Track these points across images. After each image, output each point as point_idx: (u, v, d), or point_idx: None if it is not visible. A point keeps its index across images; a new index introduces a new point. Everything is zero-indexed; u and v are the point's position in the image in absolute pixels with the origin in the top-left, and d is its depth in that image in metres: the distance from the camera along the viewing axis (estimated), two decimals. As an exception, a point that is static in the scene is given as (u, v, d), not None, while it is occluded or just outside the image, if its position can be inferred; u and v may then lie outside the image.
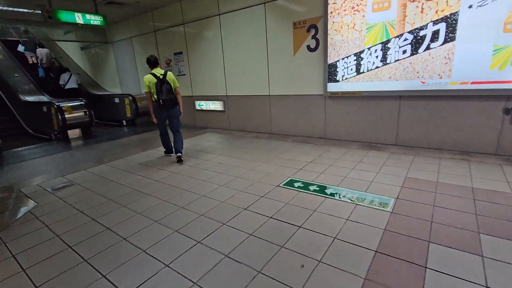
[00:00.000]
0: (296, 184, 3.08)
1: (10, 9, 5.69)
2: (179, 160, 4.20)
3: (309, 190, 2.91)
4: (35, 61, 10.12)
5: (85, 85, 9.52)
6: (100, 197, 3.11)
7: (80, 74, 10.00)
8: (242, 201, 2.76)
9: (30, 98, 7.63)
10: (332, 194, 2.78)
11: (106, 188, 3.35)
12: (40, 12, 5.04)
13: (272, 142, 5.06)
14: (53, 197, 3.19)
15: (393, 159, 3.72)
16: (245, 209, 2.60)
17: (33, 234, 2.41)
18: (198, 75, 6.64)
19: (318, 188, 2.94)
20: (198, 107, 6.88)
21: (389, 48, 3.95)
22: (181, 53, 6.78)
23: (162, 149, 4.90)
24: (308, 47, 4.74)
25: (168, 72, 4.11)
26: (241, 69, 5.78)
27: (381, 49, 4.01)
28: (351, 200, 2.63)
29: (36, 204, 3.03)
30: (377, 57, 4.08)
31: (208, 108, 6.67)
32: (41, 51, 9.65)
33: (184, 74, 6.92)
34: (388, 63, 4.01)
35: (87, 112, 6.61)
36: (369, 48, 4.11)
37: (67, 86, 8.80)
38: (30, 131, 7.56)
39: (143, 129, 7.34)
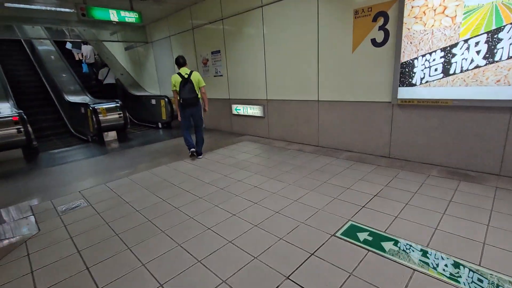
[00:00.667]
0: (361, 236, 2.15)
1: (49, 8, 5.59)
2: (192, 155, 4.53)
3: (384, 250, 1.97)
4: (81, 58, 10.48)
5: (126, 85, 9.52)
6: (108, 230, 2.53)
7: (123, 75, 10.06)
8: (280, 261, 1.92)
9: (72, 99, 7.71)
10: (424, 263, 1.81)
11: (119, 213, 2.78)
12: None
13: (320, 158, 4.14)
14: (59, 222, 2.70)
15: (506, 201, 2.56)
16: (287, 277, 1.77)
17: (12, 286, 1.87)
18: (236, 76, 5.95)
19: (398, 248, 1.98)
20: (235, 112, 6.20)
21: (501, 39, 2.77)
22: (218, 51, 6.16)
23: (189, 162, 4.30)
24: (373, 41, 3.70)
25: (194, 72, 4.24)
26: (285, 69, 4.93)
27: (486, 41, 2.84)
28: (471, 282, 1.63)
29: (38, 231, 2.56)
30: (478, 52, 2.91)
31: (245, 113, 5.96)
32: (86, 48, 9.97)
33: (221, 75, 6.29)
34: (497, 61, 2.83)
35: (122, 115, 6.35)
36: (466, 41, 2.96)
37: (105, 81, 9.01)
38: (73, 131, 7.63)
39: (178, 133, 6.91)
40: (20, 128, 5.00)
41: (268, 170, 3.78)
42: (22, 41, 10.31)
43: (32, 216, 2.87)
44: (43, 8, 5.58)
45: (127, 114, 7.35)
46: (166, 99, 7.26)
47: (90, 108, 6.04)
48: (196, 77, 4.24)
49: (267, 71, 5.25)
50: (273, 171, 3.72)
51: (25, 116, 5.15)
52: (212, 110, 6.90)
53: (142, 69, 9.39)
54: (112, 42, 10.75)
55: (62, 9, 5.63)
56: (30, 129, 5.20)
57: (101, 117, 6.04)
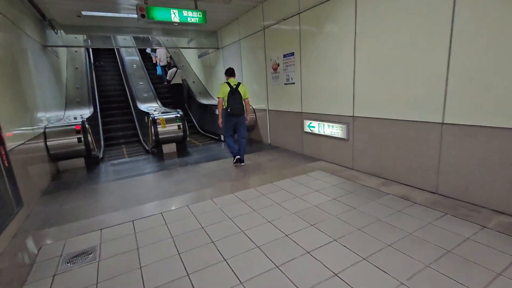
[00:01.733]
0: None
1: (116, 15, 5.41)
2: (236, 162, 4.64)
3: None
4: (157, 61, 10.86)
5: (195, 93, 9.25)
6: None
7: (194, 82, 9.90)
8: None
9: (144, 106, 7.68)
10: None
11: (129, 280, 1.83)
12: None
13: (446, 222, 2.47)
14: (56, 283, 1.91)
15: None
16: None
17: None
18: (312, 84, 4.64)
19: None
20: (307, 129, 4.89)
21: None
22: (292, 54, 4.97)
23: (243, 199, 3.20)
24: None
25: (241, 84, 4.48)
26: (386, 74, 3.39)
27: None
28: None
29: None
30: None
31: (321, 132, 4.58)
32: (160, 51, 10.32)
33: (293, 83, 5.08)
34: None
35: (181, 126, 5.77)
36: None
37: (172, 82, 8.92)
38: (142, 140, 7.58)
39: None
40: (80, 137, 4.82)
41: (356, 236, 2.34)
42: (116, 53, 11.29)
43: (30, 264, 2.18)
44: (110, 15, 5.45)
45: (194, 122, 6.81)
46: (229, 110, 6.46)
47: (150, 118, 5.64)
48: (243, 88, 4.47)
49: (356, 77, 3.79)
50: (366, 241, 2.27)
51: (87, 125, 4.98)
52: (279, 125, 5.73)
53: (212, 76, 8.97)
54: (187, 49, 10.83)
55: (127, 15, 5.39)
56: (90, 138, 5.00)
57: (159, 128, 5.58)
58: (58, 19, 5.82)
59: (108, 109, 8.92)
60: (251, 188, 3.60)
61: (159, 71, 10.50)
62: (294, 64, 4.97)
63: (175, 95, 9.33)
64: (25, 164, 3.45)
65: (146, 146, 6.79)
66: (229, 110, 4.35)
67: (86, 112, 6.95)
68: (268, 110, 6.05)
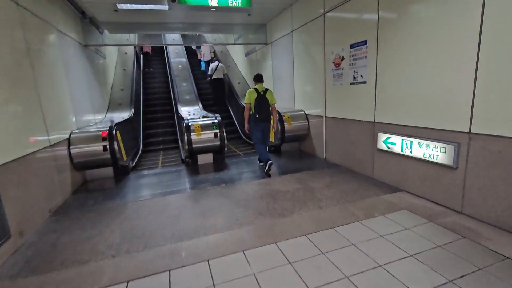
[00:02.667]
0: None
1: (146, 7, 4.75)
2: (269, 168, 4.27)
3: None
4: (201, 56, 10.68)
5: (241, 95, 8.38)
6: None
7: (240, 83, 9.07)
8: None
9: (183, 110, 7.07)
10: None
11: None
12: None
13: None
14: None
15: None
16: None
17: None
18: (394, 83, 3.27)
19: None
20: (382, 146, 3.53)
21: None
22: (363, 43, 3.67)
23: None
24: None
25: (269, 90, 4.48)
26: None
27: None
28: None
29: None
30: None
31: (406, 153, 3.19)
32: (204, 47, 10.08)
33: (364, 82, 3.76)
34: None
35: (218, 134, 4.88)
36: None
37: (213, 76, 8.51)
38: (180, 146, 6.98)
39: (291, 163, 4.86)
40: (106, 145, 4.23)
41: None
42: (165, 55, 11.10)
43: None
44: (145, 7, 4.82)
45: (236, 126, 5.92)
46: (278, 115, 5.36)
47: (184, 124, 4.86)
48: (270, 95, 4.45)
49: (480, 74, 2.36)
50: None
51: (114, 132, 4.39)
52: (339, 137, 4.44)
53: (259, 77, 8.00)
54: (234, 49, 10.09)
55: (162, 6, 4.69)
56: (117, 146, 4.39)
57: (193, 136, 4.76)
58: (97, 15, 5.44)
59: (152, 112, 8.59)
60: (302, 236, 2.45)
61: (203, 66, 10.28)
62: (366, 57, 3.66)
63: (215, 90, 8.84)
64: (27, 180, 2.85)
65: (182, 154, 6.10)
66: (256, 116, 4.34)
67: (126, 115, 6.57)
68: (325, 117, 4.79)
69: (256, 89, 4.40)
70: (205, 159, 5.23)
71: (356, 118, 4.01)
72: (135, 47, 9.98)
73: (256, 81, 4.51)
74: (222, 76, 8.68)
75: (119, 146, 4.50)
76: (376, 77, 3.54)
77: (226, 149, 5.18)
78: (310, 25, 4.90)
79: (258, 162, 4.89)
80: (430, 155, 2.89)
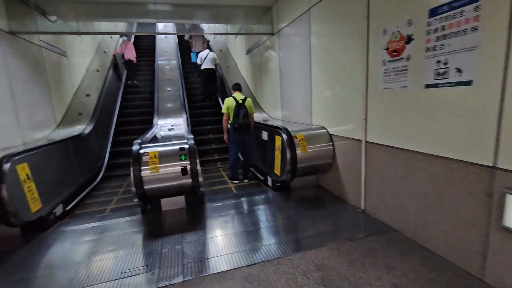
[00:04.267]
0: None
1: None
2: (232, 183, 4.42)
3: None
4: (192, 47, 8.98)
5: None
6: None
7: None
8: None
9: (160, 124, 5.25)
10: None
11: None
12: None
13: None
14: None
15: None
16: None
17: None
18: None
19: None
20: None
21: None
22: (469, 1, 1.74)
23: None
24: None
25: (247, 99, 4.39)
26: None
27: None
28: None
29: None
30: None
31: None
32: (195, 37, 8.57)
33: (469, 82, 1.81)
34: None
35: (189, 168, 3.00)
36: None
37: (203, 66, 7.12)
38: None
39: (305, 217, 2.93)
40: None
41: None
42: (155, 53, 9.32)
43: None
44: None
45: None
46: (285, 136, 3.43)
47: (133, 151, 3.00)
48: (249, 103, 4.38)
49: None
50: None
51: (7, 168, 2.57)
52: (392, 178, 2.46)
53: (262, 78, 6.14)
54: (235, 46, 8.29)
55: None
56: (9, 192, 2.57)
57: (146, 173, 2.90)
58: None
59: (128, 123, 6.79)
60: None
61: (193, 58, 8.55)
62: (474, 30, 1.73)
63: (205, 83, 7.36)
64: None
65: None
66: (236, 126, 4.21)
67: (78, 130, 4.82)
68: (366, 142, 2.86)
69: (234, 98, 4.32)
70: (172, 203, 3.36)
71: (441, 154, 2.06)
72: (114, 56, 8.12)
73: (235, 89, 4.54)
74: (213, 67, 7.17)
75: (21, 191, 2.68)
76: (506, 73, 1.60)
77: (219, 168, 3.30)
78: (340, -7, 3.01)
79: (229, 179, 4.65)
80: None
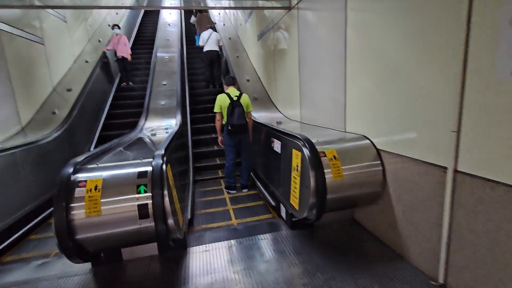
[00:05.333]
0: None
1: None
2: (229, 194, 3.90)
3: None
4: (197, 28, 8.02)
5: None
6: None
7: (249, 81, 6.02)
8: None
9: (148, 127, 4.18)
10: None
11: None
12: None
13: None
14: None
15: None
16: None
17: None
18: None
19: None
20: None
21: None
22: None
23: None
24: None
25: (243, 95, 3.74)
26: None
27: None
28: None
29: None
30: None
31: None
32: (200, 15, 7.64)
33: None
34: None
35: (150, 206, 1.85)
36: None
37: (205, 48, 6.32)
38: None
39: (337, 267, 1.75)
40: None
41: None
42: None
43: None
44: None
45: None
46: (308, 151, 2.20)
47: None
48: (245, 100, 3.72)
49: None
50: None
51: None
52: None
53: (276, 69, 4.90)
54: (244, 29, 7.11)
55: None
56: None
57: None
58: None
59: (116, 127, 5.70)
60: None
61: (197, 41, 7.52)
62: None
63: (208, 66, 6.55)
64: None
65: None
66: (229, 128, 3.60)
67: (40, 135, 3.84)
68: (457, 171, 1.58)
69: (227, 94, 3.64)
70: (139, 249, 2.26)
71: None
72: (104, 53, 6.86)
73: (228, 84, 3.83)
74: (217, 49, 6.40)
75: None
76: None
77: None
78: None
79: (225, 189, 4.05)
80: None
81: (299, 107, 3.94)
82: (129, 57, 6.74)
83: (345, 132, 2.72)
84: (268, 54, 5.25)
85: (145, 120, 4.44)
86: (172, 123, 4.27)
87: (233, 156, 3.79)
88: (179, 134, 3.62)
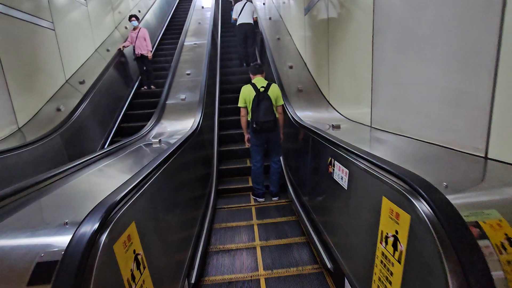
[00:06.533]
0: None
1: None
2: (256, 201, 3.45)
3: None
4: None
5: (290, 92, 4.06)
6: None
7: (292, 68, 4.72)
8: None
9: (162, 126, 3.21)
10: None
11: None
12: None
13: None
14: None
15: None
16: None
17: None
18: None
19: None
20: None
21: None
22: None
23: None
24: None
25: (273, 85, 3.18)
26: None
27: None
28: None
29: None
30: None
31: None
32: None
33: None
34: None
35: None
36: None
37: (239, 21, 5.70)
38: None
39: None
40: None
41: None
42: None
43: None
44: None
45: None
46: (434, 214, 0.96)
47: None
48: (274, 92, 3.15)
49: None
50: None
51: None
52: None
53: (331, 51, 3.53)
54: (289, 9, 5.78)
55: None
56: None
57: None
58: None
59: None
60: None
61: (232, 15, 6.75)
62: None
63: (243, 41, 5.89)
64: None
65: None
66: (254, 126, 3.09)
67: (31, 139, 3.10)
68: None
69: (254, 85, 3.11)
70: None
71: None
72: (120, 50, 5.62)
73: (254, 73, 3.28)
74: (251, 21, 5.76)
75: None
76: None
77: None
78: None
79: (252, 195, 3.59)
80: None
81: (369, 103, 2.58)
82: (149, 55, 5.59)
83: (486, 157, 1.36)
84: (319, 30, 3.90)
85: (158, 121, 3.48)
86: (189, 123, 3.24)
87: (259, 157, 3.36)
88: (186, 149, 2.54)
